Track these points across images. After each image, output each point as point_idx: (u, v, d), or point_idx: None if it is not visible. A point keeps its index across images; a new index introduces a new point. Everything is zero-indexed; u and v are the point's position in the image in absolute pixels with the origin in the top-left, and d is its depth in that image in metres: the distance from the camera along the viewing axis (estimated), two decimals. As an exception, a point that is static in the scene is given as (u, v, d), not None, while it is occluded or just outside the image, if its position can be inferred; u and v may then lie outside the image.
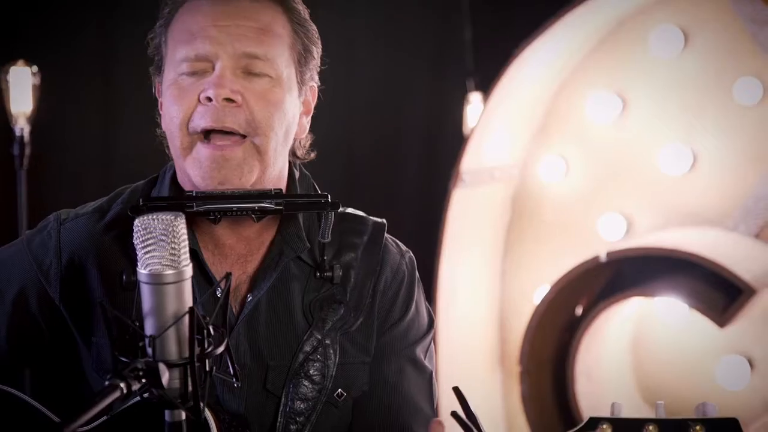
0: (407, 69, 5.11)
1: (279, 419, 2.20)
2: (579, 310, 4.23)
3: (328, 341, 2.23)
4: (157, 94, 2.27)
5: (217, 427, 2.08)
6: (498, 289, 4.50)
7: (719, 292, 3.88)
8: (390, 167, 5.06)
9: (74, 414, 1.61)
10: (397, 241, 2.37)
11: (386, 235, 2.34)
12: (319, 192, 2.31)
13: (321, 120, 2.35)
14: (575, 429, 1.92)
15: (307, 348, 2.22)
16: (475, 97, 4.94)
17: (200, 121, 2.13)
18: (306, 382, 2.22)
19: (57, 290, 2.27)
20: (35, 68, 4.70)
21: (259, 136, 2.15)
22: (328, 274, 2.24)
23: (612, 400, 4.29)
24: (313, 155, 2.34)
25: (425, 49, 5.10)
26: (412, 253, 2.36)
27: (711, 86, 4.15)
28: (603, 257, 4.06)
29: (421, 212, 4.97)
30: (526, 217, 4.49)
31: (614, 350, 4.31)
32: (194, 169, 2.15)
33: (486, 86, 4.43)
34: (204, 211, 2.14)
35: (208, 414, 2.07)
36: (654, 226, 4.24)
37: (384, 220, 2.35)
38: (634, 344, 4.34)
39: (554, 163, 4.42)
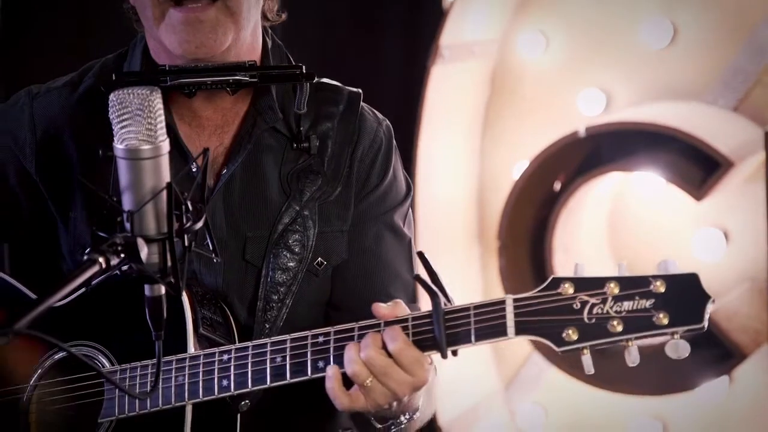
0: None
1: (260, 290, 2.22)
2: (557, 186, 4.25)
3: (306, 212, 2.24)
4: None
5: (189, 301, 2.10)
6: (477, 165, 4.51)
7: (697, 165, 3.90)
8: (368, 42, 5.01)
9: (52, 288, 1.62)
10: (374, 110, 2.36)
11: (362, 103, 2.33)
12: (293, 62, 2.30)
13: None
14: (538, 288, 1.95)
15: (286, 219, 2.24)
16: (454, -29, 4.87)
17: None
18: (286, 253, 2.24)
19: (33, 164, 2.27)
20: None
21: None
22: (305, 144, 2.25)
23: (589, 274, 4.35)
24: (283, 16, 2.32)
25: None
26: (389, 122, 2.36)
27: (692, -43, 4.11)
28: (582, 132, 4.06)
29: (400, 89, 4.94)
30: (505, 93, 4.47)
31: (592, 225, 4.34)
32: (169, 36, 2.13)
33: (465, -41, 4.36)
34: (178, 85, 2.13)
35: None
36: (633, 100, 4.24)
37: (359, 90, 2.34)
38: (611, 219, 4.38)
39: (534, 38, 4.38)
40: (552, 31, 4.36)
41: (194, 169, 2.20)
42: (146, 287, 1.82)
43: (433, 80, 4.29)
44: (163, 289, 1.82)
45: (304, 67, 2.20)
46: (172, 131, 2.19)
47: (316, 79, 2.25)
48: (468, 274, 4.43)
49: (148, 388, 2.06)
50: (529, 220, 4.26)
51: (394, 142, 2.36)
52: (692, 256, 4.11)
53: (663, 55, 4.17)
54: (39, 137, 2.27)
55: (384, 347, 1.97)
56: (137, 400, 2.07)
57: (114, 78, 2.13)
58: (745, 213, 4.03)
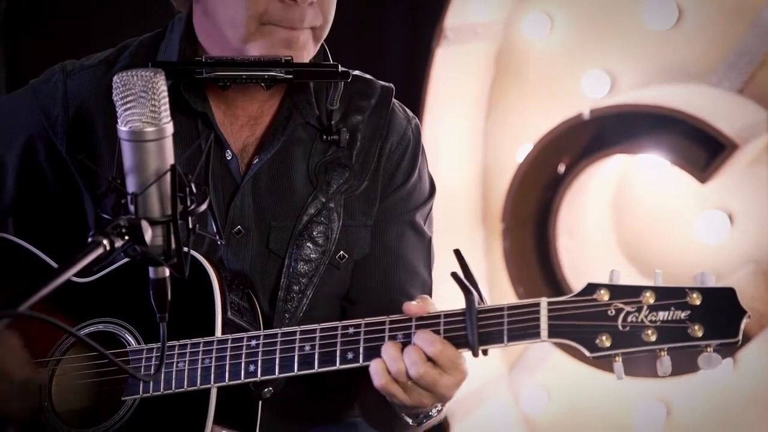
0: None
1: (282, 280, 2.24)
2: (562, 168, 4.24)
3: (332, 204, 2.26)
4: None
5: (219, 284, 2.12)
6: (481, 147, 4.50)
7: (701, 147, 3.90)
8: (372, 24, 4.99)
9: (57, 270, 1.62)
10: (404, 107, 2.38)
11: (393, 99, 2.34)
12: (329, 54, 2.32)
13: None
14: (573, 294, 1.95)
15: (312, 210, 2.25)
16: (458, -48, 4.84)
17: (281, 19, 2.14)
18: (309, 244, 2.25)
19: (63, 142, 2.29)
20: None
21: (323, 28, 2.20)
22: (335, 137, 2.26)
23: (593, 256, 4.35)
24: None
25: None
26: (418, 120, 2.37)
27: (698, -62, 4.09)
28: (586, 114, 4.06)
29: (404, 70, 4.93)
30: (509, 75, 4.46)
31: (596, 207, 4.34)
32: (261, 48, 2.17)
33: (469, -60, 4.34)
34: (213, 77, 2.15)
35: (210, 271, 2.12)
36: (638, 82, 4.23)
37: (392, 85, 2.36)
38: (615, 201, 4.38)
39: (538, 20, 4.37)
40: (557, 12, 4.34)
41: (229, 157, 2.23)
42: (150, 269, 1.83)
43: (437, 62, 4.28)
44: (167, 272, 1.83)
45: (340, 66, 2.22)
46: (208, 119, 2.22)
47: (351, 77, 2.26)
48: (472, 257, 4.40)
49: (173, 369, 2.07)
50: (533, 202, 4.26)
51: (422, 141, 2.37)
52: (696, 239, 4.11)
53: (668, 37, 4.16)
54: (71, 115, 2.29)
55: (425, 355, 1.97)
56: (161, 382, 2.07)
57: (150, 66, 2.15)
58: (750, 195, 4.03)
